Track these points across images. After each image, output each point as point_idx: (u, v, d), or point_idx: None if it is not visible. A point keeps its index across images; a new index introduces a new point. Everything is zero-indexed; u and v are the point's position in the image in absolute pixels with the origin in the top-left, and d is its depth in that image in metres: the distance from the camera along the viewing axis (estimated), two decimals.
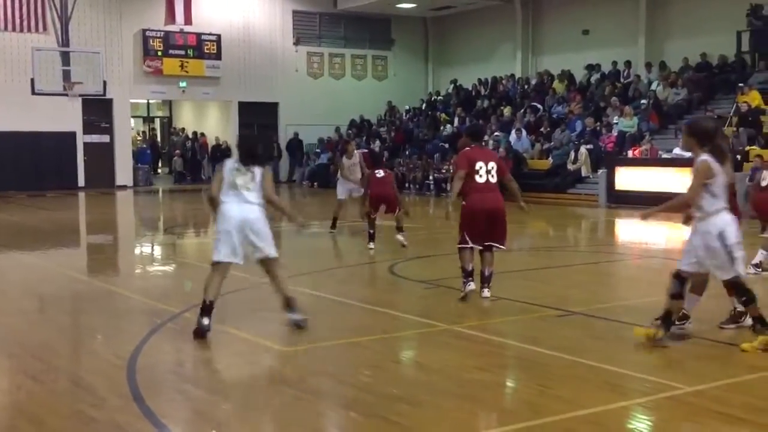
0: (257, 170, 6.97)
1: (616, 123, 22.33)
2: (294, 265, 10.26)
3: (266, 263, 7.15)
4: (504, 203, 8.37)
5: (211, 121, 32.11)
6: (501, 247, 8.39)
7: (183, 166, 31.45)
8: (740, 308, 6.98)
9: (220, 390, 5.76)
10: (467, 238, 8.29)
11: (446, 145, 25.71)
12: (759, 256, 9.76)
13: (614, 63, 25.57)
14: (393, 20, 32.40)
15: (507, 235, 8.48)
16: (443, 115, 28.78)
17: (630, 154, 20.85)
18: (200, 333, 6.83)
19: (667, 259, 11.09)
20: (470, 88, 29.93)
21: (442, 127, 27.99)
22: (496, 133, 24.51)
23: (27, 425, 5.02)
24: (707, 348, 6.74)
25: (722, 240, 6.37)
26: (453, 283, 8.87)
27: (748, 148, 18.52)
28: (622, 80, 25.11)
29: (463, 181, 8.22)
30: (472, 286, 8.35)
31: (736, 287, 6.66)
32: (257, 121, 29.94)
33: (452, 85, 30.86)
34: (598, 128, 22.87)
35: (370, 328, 7.52)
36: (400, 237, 12.30)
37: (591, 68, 26.34)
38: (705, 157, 6.42)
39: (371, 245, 12.20)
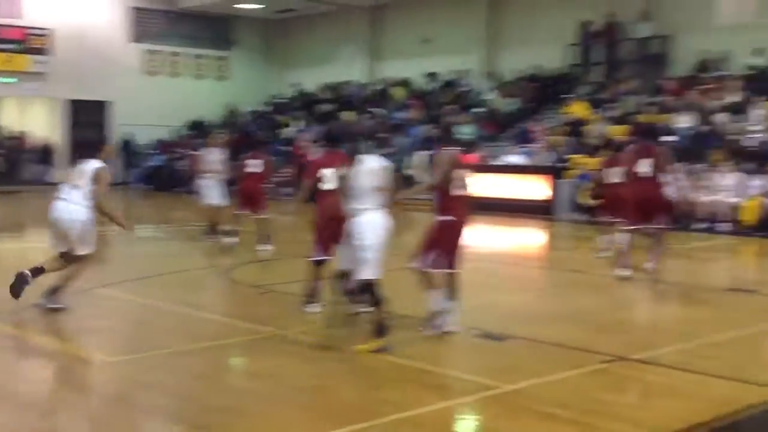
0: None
1: (454, 130, 22.93)
2: (122, 271, 9.88)
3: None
4: None
5: (38, 120, 30.34)
6: None
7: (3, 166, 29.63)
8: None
9: (32, 406, 5.43)
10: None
11: (286, 149, 25.60)
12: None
13: (453, 71, 26.28)
14: (235, 21, 31.90)
15: None
16: (283, 119, 28.63)
17: (467, 160, 21.39)
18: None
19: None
20: (313, 92, 29.94)
21: (282, 130, 27.82)
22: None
23: None
24: (527, 348, 7.00)
25: (359, 240, 6.62)
26: (288, 288, 8.79)
27: (571, 156, 19.49)
28: (460, 88, 25.85)
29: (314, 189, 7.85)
30: (317, 308, 7.92)
31: (364, 289, 6.82)
32: (88, 120, 28.60)
33: (294, 88, 30.76)
34: (436, 135, 23.38)
35: (200, 335, 7.33)
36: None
37: (431, 76, 26.95)
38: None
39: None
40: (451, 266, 7.17)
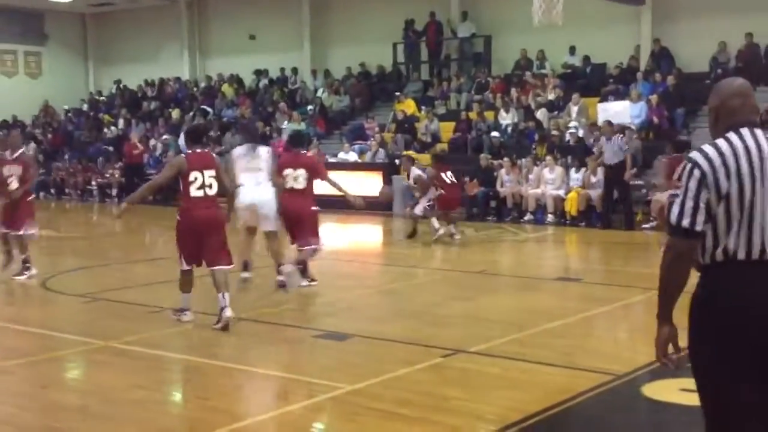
0: None
1: (284, 128, 22.73)
2: None
3: None
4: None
5: None
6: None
7: None
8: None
9: None
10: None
11: (110, 148, 24.47)
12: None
13: (282, 69, 26.01)
14: (47, 15, 29.97)
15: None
16: (107, 117, 27.35)
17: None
18: None
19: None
20: (136, 89, 28.76)
21: (105, 129, 26.57)
22: (165, 137, 23.84)
23: None
24: (367, 346, 6.95)
25: None
26: (115, 296, 8.32)
27: (404, 153, 19.75)
28: (289, 86, 25.61)
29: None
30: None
31: None
32: None
33: (116, 86, 29.43)
34: (267, 132, 23.11)
35: (17, 350, 6.77)
36: None
37: (259, 73, 26.55)
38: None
39: None
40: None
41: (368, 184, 19.07)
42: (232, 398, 5.47)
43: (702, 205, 3.00)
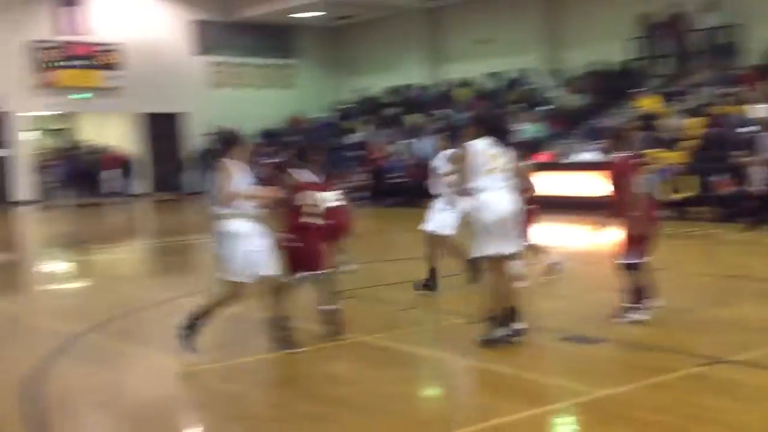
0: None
1: (522, 129, 22.71)
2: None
3: None
4: None
5: (116, 133, 31.08)
6: None
7: (65, 178, 30.51)
8: None
9: (125, 414, 5.51)
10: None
11: (352, 154, 25.71)
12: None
13: (517, 70, 26.03)
14: (297, 29, 32.14)
15: None
16: (350, 124, 28.75)
17: (536, 159, 21.18)
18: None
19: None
20: (377, 97, 29.99)
21: (348, 136, 27.94)
22: (404, 141, 24.68)
23: None
24: (616, 351, 6.85)
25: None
26: (373, 293, 8.72)
27: (645, 151, 19.06)
28: (524, 87, 25.57)
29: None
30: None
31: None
32: (161, 132, 29.24)
33: (359, 94, 30.85)
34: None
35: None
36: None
37: (494, 75, 26.74)
38: None
39: None
40: None
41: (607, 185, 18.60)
42: (486, 397, 5.61)
43: None
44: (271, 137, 30.00)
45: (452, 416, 5.27)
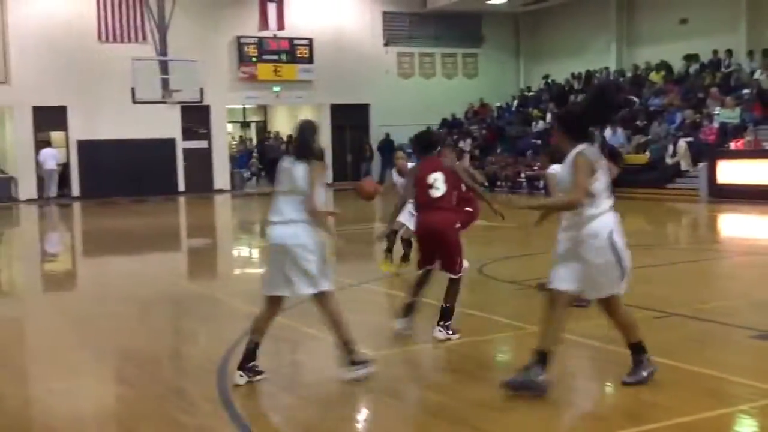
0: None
1: (717, 114, 21.51)
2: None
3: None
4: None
5: None
6: None
7: (259, 169, 32.18)
8: None
9: (312, 395, 5.77)
10: None
11: (538, 142, 25.31)
12: None
13: (714, 52, 24.64)
14: (483, 17, 32.11)
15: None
16: (535, 111, 28.35)
17: (732, 146, 20.06)
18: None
19: None
20: (563, 83, 29.38)
21: (534, 123, 27.57)
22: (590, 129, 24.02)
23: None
24: None
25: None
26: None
27: None
28: (722, 70, 24.18)
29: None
30: None
31: None
32: (349, 123, 30.21)
33: (544, 81, 30.37)
34: (697, 120, 22.09)
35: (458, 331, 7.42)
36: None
37: (689, 58, 25.46)
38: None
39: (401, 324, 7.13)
40: None
41: None
42: (668, 394, 5.41)
43: None
44: (453, 126, 30.21)
45: (630, 413, 5.13)
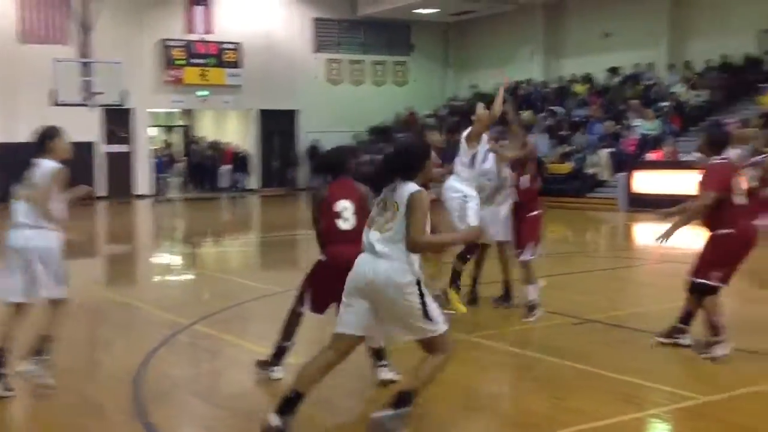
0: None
1: (637, 126, 22.11)
2: None
3: None
4: None
5: (231, 130, 32.15)
6: None
7: (188, 173, 31.77)
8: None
9: (227, 405, 5.68)
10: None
11: None
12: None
13: (636, 65, 25.32)
14: (413, 26, 32.32)
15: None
16: (461, 121, 28.68)
17: (649, 157, 20.63)
18: None
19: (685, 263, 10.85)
20: (490, 93, 29.77)
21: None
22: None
23: None
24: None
25: None
26: (481, 290, 8.62)
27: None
28: (643, 82, 24.85)
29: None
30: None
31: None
32: (277, 129, 30.02)
33: (472, 90, 30.73)
34: (618, 131, 22.66)
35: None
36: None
37: (612, 71, 26.10)
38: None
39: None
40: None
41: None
42: (585, 399, 5.51)
43: None
44: (380, 134, 30.31)
45: (548, 418, 5.20)
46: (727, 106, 21.38)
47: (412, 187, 4.62)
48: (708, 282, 6.38)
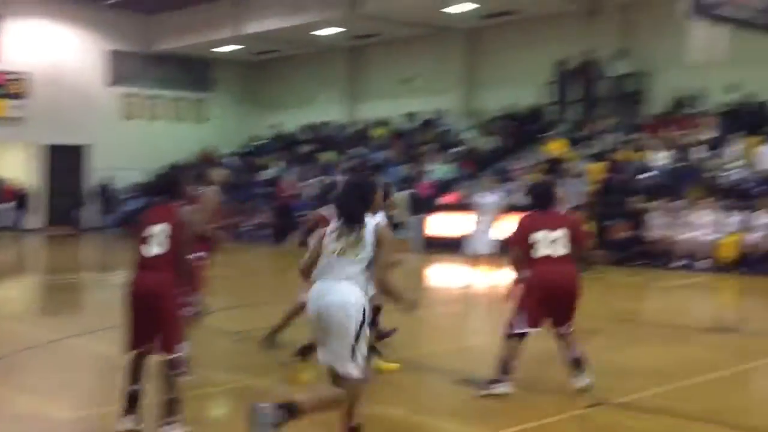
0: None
1: (433, 170, 22.97)
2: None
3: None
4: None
5: (14, 165, 29.88)
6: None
7: None
8: None
9: None
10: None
11: (263, 190, 25.62)
12: None
13: (433, 111, 26.40)
14: (214, 63, 31.90)
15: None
16: (263, 160, 28.60)
17: (443, 200, 21.46)
18: None
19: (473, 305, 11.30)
20: (292, 133, 29.96)
21: (261, 172, 27.77)
22: (316, 178, 24.69)
23: None
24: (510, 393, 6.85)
25: None
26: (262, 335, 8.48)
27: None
28: (439, 128, 25.91)
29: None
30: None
31: None
32: (65, 165, 28.45)
33: (274, 130, 30.76)
34: (415, 175, 23.44)
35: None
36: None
37: (410, 116, 27.04)
38: None
39: None
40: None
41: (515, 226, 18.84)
42: None
43: None
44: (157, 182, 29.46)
45: None
46: (515, 152, 22.69)
47: (373, 219, 5.04)
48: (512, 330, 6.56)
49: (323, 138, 28.73)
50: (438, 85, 26.56)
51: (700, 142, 18.50)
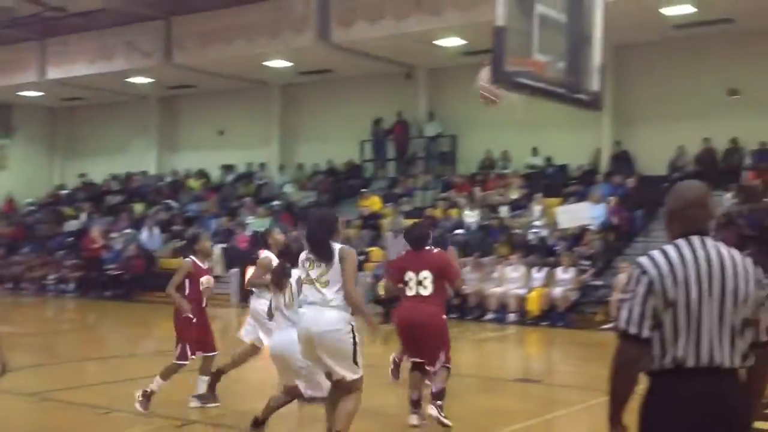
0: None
1: (250, 223, 22.71)
2: None
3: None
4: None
5: None
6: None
7: None
8: None
9: None
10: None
11: (71, 240, 24.30)
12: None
13: (249, 164, 26.17)
14: (15, 107, 30.09)
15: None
16: (69, 210, 27.18)
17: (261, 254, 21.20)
18: None
19: None
20: (101, 183, 28.71)
21: (66, 223, 26.36)
22: (126, 230, 23.72)
23: None
24: None
25: None
26: (65, 396, 7.99)
27: (369, 249, 19.77)
28: (256, 181, 25.72)
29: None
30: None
31: None
32: None
33: (81, 179, 29.35)
34: (232, 227, 23.07)
35: None
36: None
37: (227, 168, 26.68)
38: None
39: None
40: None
41: None
42: None
43: (649, 312, 3.00)
44: None
45: None
46: (332, 207, 22.87)
47: (338, 245, 5.70)
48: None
49: (134, 189, 27.74)
50: (256, 138, 26.41)
51: (507, 202, 19.46)
